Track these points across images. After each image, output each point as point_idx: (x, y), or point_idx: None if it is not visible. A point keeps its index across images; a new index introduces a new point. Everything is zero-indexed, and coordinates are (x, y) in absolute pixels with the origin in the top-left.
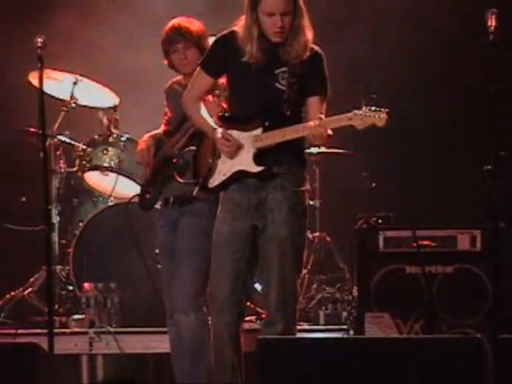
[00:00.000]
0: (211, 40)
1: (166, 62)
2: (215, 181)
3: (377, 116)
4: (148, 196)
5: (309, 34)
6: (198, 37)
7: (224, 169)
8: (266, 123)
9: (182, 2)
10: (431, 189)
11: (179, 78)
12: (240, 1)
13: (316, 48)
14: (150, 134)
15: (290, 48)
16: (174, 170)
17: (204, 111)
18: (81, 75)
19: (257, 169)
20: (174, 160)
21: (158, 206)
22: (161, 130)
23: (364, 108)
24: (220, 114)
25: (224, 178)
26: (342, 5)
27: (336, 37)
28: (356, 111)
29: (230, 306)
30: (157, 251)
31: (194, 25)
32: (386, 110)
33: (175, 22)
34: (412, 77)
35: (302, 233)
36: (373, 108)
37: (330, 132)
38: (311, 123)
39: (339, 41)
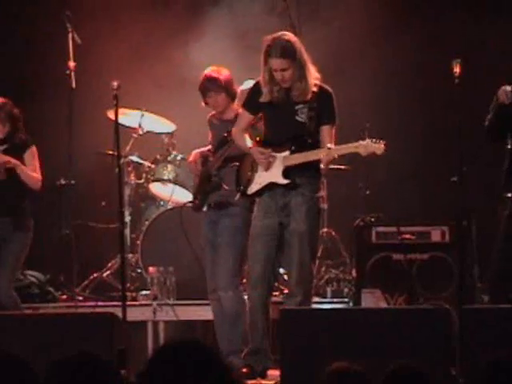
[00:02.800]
0: (248, 82)
1: (203, 103)
2: (252, 189)
3: (377, 146)
4: (197, 202)
5: (310, 80)
6: (225, 84)
7: (259, 180)
8: (293, 148)
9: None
10: (412, 195)
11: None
12: None
13: (325, 87)
14: (198, 150)
15: (295, 92)
16: (211, 185)
17: (248, 140)
18: (146, 110)
19: (284, 181)
20: (212, 178)
21: (204, 209)
22: (207, 148)
23: (367, 139)
24: (258, 139)
25: (259, 186)
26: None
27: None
28: (361, 142)
29: (262, 283)
30: None
31: (222, 74)
32: (384, 142)
33: (207, 72)
34: (398, 113)
35: (316, 228)
36: (374, 140)
37: (336, 156)
38: (322, 152)
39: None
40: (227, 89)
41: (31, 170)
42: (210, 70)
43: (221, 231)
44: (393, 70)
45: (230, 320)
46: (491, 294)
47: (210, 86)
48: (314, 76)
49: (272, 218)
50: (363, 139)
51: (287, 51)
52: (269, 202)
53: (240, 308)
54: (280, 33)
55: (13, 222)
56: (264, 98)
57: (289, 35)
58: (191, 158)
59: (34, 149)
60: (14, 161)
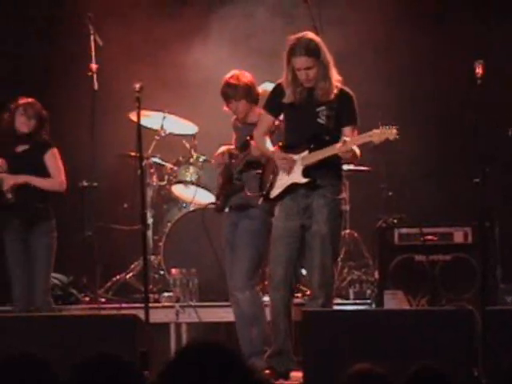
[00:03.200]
0: (266, 85)
1: (225, 107)
2: (275, 192)
3: (389, 132)
4: (219, 203)
5: (333, 80)
6: (245, 90)
7: (281, 183)
8: (311, 146)
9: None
10: (434, 196)
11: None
12: None
13: (345, 89)
14: (226, 146)
15: (319, 91)
16: (233, 188)
17: (268, 143)
18: (168, 112)
19: (304, 180)
20: (233, 181)
21: (226, 210)
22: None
23: (380, 127)
24: (280, 143)
25: (281, 189)
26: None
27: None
28: (375, 130)
29: (284, 284)
30: None
31: (241, 80)
32: (396, 126)
33: (227, 78)
34: (416, 114)
35: (338, 230)
36: (387, 126)
37: (358, 152)
38: (338, 145)
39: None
40: (247, 95)
41: (55, 171)
42: (229, 76)
43: (240, 233)
44: (410, 70)
45: (248, 321)
46: None
47: (229, 92)
48: (336, 77)
49: (294, 220)
50: (377, 128)
51: (312, 49)
52: (291, 204)
53: (257, 309)
54: (303, 33)
55: (34, 225)
56: (287, 99)
57: (312, 35)
58: (219, 151)
59: (55, 150)
60: (21, 179)
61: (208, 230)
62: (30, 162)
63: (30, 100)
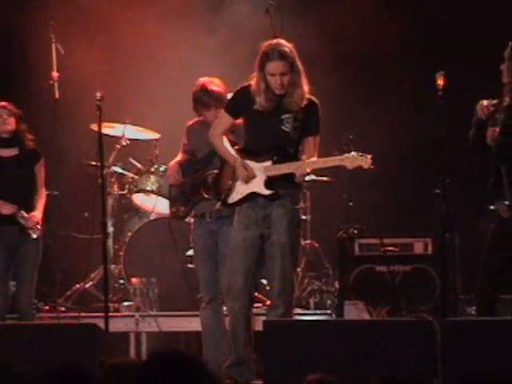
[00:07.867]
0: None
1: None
2: (233, 198)
3: (363, 159)
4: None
5: (305, 88)
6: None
7: (241, 189)
8: (275, 158)
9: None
10: (394, 207)
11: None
12: None
13: (313, 98)
14: (175, 161)
15: (290, 99)
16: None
17: (226, 143)
18: (129, 123)
19: (267, 192)
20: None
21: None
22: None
23: (353, 152)
24: (238, 147)
25: (240, 196)
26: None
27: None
28: (347, 154)
29: (243, 294)
30: (187, 254)
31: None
32: (371, 155)
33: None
34: (377, 124)
35: (297, 239)
36: (360, 153)
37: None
38: (306, 163)
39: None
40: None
41: (41, 182)
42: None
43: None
44: (372, 83)
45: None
46: (477, 305)
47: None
48: (306, 86)
49: (253, 229)
50: (348, 152)
51: (286, 55)
52: (249, 213)
53: (220, 319)
54: (276, 39)
55: (23, 230)
56: (259, 107)
57: (285, 42)
58: (173, 169)
59: (42, 160)
60: (39, 216)
61: (175, 240)
62: (21, 170)
63: (1, 103)
